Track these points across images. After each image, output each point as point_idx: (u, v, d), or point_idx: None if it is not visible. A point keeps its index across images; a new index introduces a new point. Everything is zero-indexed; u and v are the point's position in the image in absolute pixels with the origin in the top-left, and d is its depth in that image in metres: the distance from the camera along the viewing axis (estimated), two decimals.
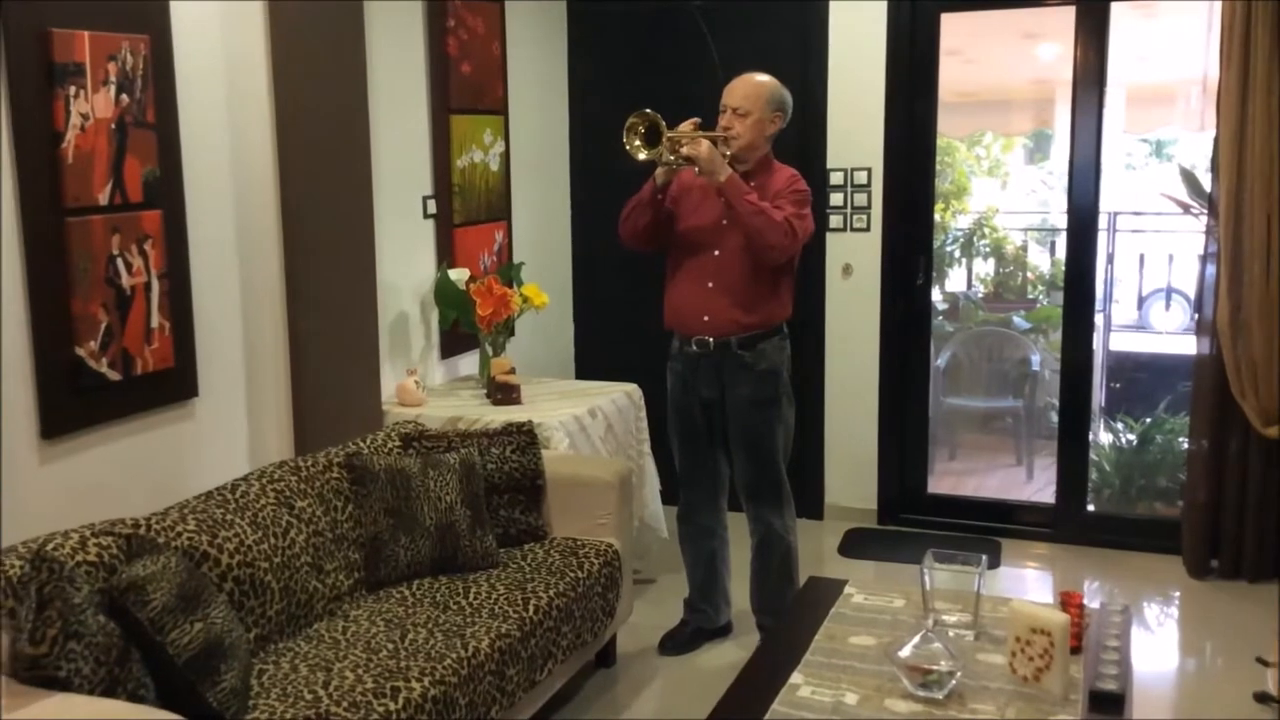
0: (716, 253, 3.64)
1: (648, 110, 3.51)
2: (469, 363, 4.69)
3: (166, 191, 3.22)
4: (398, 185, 4.24)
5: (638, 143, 3.51)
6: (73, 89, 2.91)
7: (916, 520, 5.07)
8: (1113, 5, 4.57)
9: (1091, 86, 4.64)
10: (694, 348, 3.71)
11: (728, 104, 3.63)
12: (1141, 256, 7.32)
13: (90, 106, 2.96)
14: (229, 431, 3.55)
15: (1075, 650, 2.63)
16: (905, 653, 2.49)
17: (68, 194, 2.91)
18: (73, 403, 2.97)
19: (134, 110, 3.09)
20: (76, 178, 2.93)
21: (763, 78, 3.66)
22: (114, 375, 3.07)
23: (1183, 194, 5.04)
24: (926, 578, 2.80)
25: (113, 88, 3.02)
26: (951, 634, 2.70)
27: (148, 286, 3.16)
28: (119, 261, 3.07)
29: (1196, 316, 4.50)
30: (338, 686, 2.60)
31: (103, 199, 3.01)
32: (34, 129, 2.83)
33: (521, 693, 3.02)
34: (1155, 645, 4.09)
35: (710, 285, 3.66)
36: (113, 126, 3.03)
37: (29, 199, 2.84)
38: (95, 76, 2.97)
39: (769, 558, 3.82)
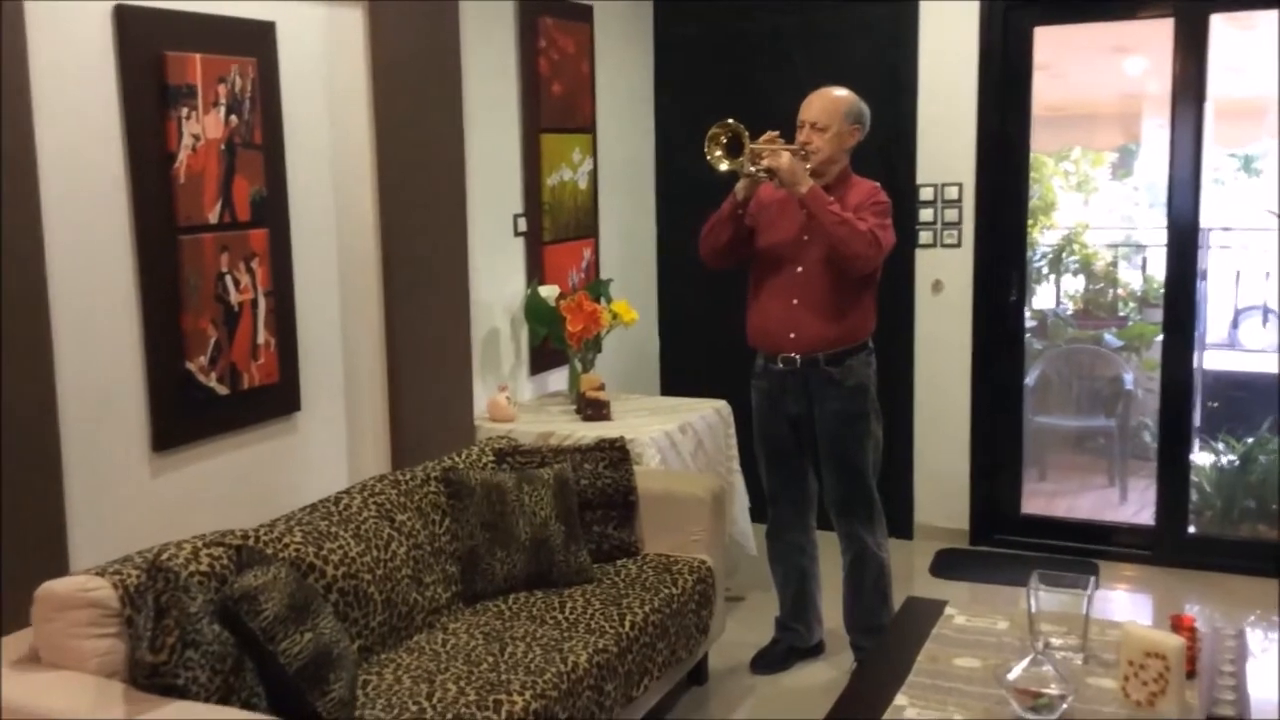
0: (799, 268, 3.62)
1: (730, 120, 3.50)
2: (557, 379, 4.72)
3: (272, 211, 3.29)
4: (490, 204, 4.28)
5: (719, 153, 3.50)
6: (185, 110, 2.99)
7: (1010, 541, 4.98)
8: (1212, 17, 4.48)
9: (1189, 100, 4.55)
10: (780, 365, 3.68)
11: (805, 119, 3.61)
12: (1238, 273, 7.13)
13: (201, 127, 3.04)
14: (329, 445, 3.61)
15: (1189, 675, 2.56)
16: (1014, 675, 2.45)
17: (180, 213, 3.00)
18: (182, 416, 3.05)
19: (242, 131, 3.17)
20: (188, 197, 3.01)
21: (839, 91, 3.64)
22: (222, 389, 3.15)
23: None
24: (1033, 599, 2.75)
25: (222, 109, 3.10)
26: (1060, 657, 2.64)
27: (254, 303, 3.23)
28: (227, 279, 3.14)
29: None
30: (440, 699, 2.62)
31: (212, 218, 3.09)
32: (148, 149, 2.92)
33: (619, 708, 3.02)
34: (1259, 670, 3.96)
35: (795, 302, 3.63)
36: (222, 147, 3.11)
37: (143, 217, 2.92)
38: (206, 98, 3.05)
39: (863, 576, 3.78)
